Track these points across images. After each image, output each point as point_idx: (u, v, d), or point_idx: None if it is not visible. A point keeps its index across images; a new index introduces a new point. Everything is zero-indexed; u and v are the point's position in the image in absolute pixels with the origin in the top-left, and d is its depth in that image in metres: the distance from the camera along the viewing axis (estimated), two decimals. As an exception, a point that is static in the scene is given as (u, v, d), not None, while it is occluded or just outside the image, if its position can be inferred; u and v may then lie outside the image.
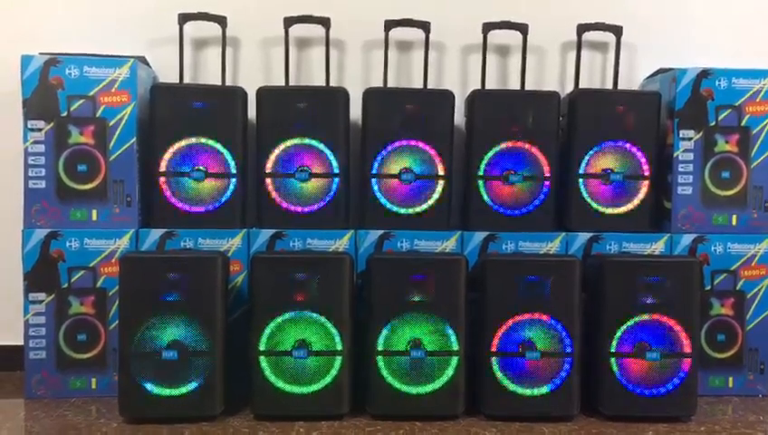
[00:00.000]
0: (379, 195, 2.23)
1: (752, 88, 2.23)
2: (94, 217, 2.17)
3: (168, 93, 2.22)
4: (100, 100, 2.15)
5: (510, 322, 2.03)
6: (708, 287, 2.24)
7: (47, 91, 2.14)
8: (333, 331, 2.01)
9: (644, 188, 2.26)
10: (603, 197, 2.26)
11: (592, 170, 2.25)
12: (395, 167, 2.23)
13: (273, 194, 2.22)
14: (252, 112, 2.25)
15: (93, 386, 2.17)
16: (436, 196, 2.23)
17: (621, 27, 2.40)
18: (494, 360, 2.03)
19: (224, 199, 2.20)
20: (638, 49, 2.51)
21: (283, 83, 2.36)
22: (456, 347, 2.02)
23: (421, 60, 2.40)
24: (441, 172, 2.23)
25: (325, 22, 2.36)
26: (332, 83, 2.42)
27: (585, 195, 2.25)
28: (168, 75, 2.38)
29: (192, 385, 1.97)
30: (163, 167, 2.18)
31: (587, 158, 2.25)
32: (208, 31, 2.41)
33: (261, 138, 2.23)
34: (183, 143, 2.18)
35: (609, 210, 2.26)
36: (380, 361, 2.01)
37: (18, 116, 2.15)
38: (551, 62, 2.52)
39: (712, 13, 2.53)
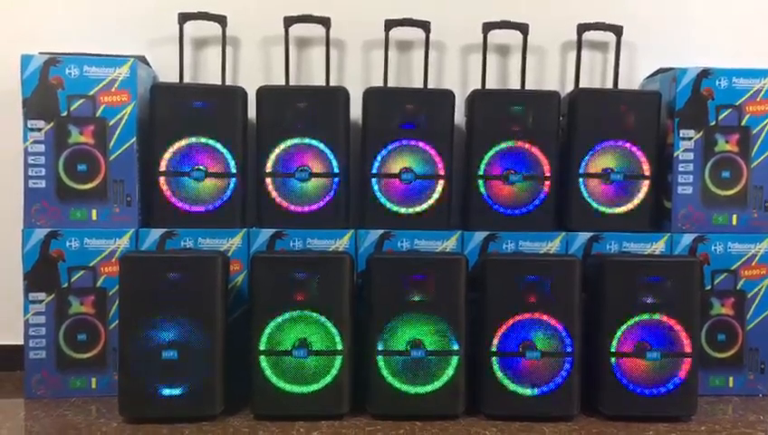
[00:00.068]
0: (379, 194, 2.23)
1: (752, 87, 2.23)
2: (94, 216, 2.17)
3: (168, 93, 2.22)
4: (100, 99, 2.15)
5: (510, 321, 2.03)
6: (708, 287, 2.24)
7: (47, 90, 2.14)
8: (333, 330, 2.01)
9: (644, 187, 2.26)
10: (603, 196, 2.26)
11: (592, 170, 2.25)
12: (395, 166, 2.23)
13: (274, 194, 2.22)
14: (252, 112, 2.25)
15: (93, 386, 2.17)
16: (436, 195, 2.23)
17: (621, 27, 2.41)
18: (494, 359, 2.03)
19: (224, 199, 2.20)
20: (638, 49, 2.51)
21: (283, 83, 2.36)
22: (456, 347, 2.02)
23: (421, 60, 2.40)
24: (441, 172, 2.23)
25: (325, 21, 2.36)
26: (332, 83, 2.42)
27: (585, 194, 2.25)
28: (168, 75, 2.38)
29: (192, 385, 1.97)
30: (163, 166, 2.18)
31: (587, 157, 2.25)
32: (208, 30, 2.41)
33: (261, 137, 2.22)
34: (183, 143, 2.18)
35: (610, 210, 2.26)
36: (380, 360, 2.01)
37: (18, 116, 2.15)
38: (551, 62, 2.52)
39: (712, 13, 2.53)
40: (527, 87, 2.41)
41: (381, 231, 2.21)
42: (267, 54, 2.47)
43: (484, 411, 2.04)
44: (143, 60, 2.29)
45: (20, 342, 2.19)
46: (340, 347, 2.01)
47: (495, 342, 2.03)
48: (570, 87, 2.48)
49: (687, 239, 2.24)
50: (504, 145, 2.23)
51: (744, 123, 2.24)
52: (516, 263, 2.08)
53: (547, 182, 2.24)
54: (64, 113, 2.14)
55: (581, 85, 2.42)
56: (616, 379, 2.03)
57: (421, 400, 2.01)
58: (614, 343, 2.03)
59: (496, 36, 2.45)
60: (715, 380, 2.26)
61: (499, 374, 2.03)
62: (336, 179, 2.22)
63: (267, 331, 2.00)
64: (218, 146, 2.19)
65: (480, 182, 2.23)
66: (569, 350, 2.03)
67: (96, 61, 2.16)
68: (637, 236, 2.25)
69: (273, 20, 2.38)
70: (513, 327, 2.03)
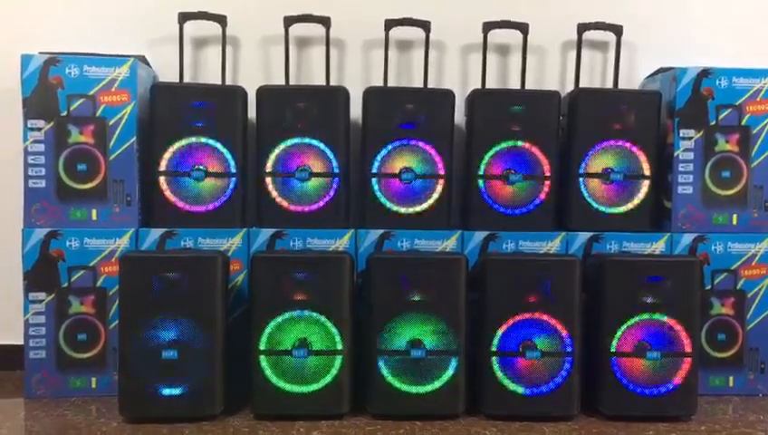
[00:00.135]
0: (379, 194, 2.23)
1: (752, 87, 2.23)
2: (94, 216, 2.17)
3: (168, 93, 2.22)
4: (99, 99, 2.15)
5: (510, 321, 2.03)
6: (709, 287, 2.24)
7: (47, 90, 2.14)
8: (333, 330, 2.01)
9: (644, 187, 2.26)
10: (603, 196, 2.26)
11: (592, 170, 2.25)
12: (395, 166, 2.23)
13: (274, 193, 2.22)
14: (252, 112, 2.25)
15: (93, 385, 2.17)
16: (436, 195, 2.23)
17: (622, 27, 2.41)
18: (494, 359, 2.03)
19: (224, 199, 2.20)
20: (638, 48, 2.51)
21: (283, 83, 2.36)
22: (456, 347, 2.02)
23: (421, 59, 2.40)
24: (441, 172, 2.23)
25: (325, 21, 2.36)
26: (333, 83, 2.42)
27: (585, 194, 2.25)
28: (168, 75, 2.38)
29: (192, 384, 1.97)
30: (163, 166, 2.18)
31: (587, 157, 2.25)
32: (208, 30, 2.41)
33: (261, 137, 2.22)
34: (183, 142, 2.18)
35: (610, 210, 2.26)
36: (380, 360, 2.01)
37: (18, 115, 2.15)
38: (551, 62, 2.52)
39: (712, 13, 2.53)
40: (527, 87, 2.40)
41: (381, 231, 2.21)
42: (267, 54, 2.47)
43: (484, 411, 2.04)
44: (143, 60, 2.29)
45: (20, 341, 2.19)
46: (340, 347, 2.01)
47: (495, 341, 2.03)
48: (570, 87, 2.48)
49: (687, 239, 2.24)
50: (504, 145, 2.23)
51: (744, 123, 2.24)
52: (516, 263, 2.08)
53: (547, 182, 2.24)
54: (64, 113, 2.14)
55: (581, 85, 2.42)
56: (616, 379, 2.03)
57: (421, 399, 2.01)
58: (614, 342, 2.03)
59: (496, 36, 2.44)
60: (715, 379, 2.26)
61: (499, 374, 2.03)
62: (336, 179, 2.22)
63: (267, 331, 2.00)
64: (218, 146, 2.19)
65: (480, 182, 2.23)
66: (569, 350, 2.03)
67: (96, 60, 2.15)
68: (637, 236, 2.25)
69: (273, 20, 2.38)
70: (513, 327, 2.03)
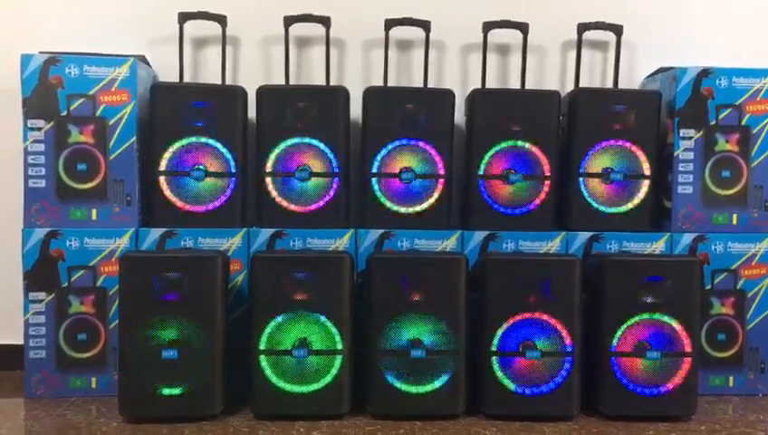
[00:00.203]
0: (379, 194, 2.23)
1: (752, 87, 2.23)
2: (94, 216, 2.17)
3: (168, 92, 2.22)
4: (99, 99, 2.15)
5: (510, 321, 2.03)
6: (708, 287, 2.24)
7: (47, 90, 2.14)
8: (333, 330, 2.01)
9: (644, 187, 2.26)
10: (603, 196, 2.26)
11: (592, 170, 2.25)
12: (395, 166, 2.23)
13: (274, 193, 2.22)
14: (252, 111, 2.25)
15: (93, 385, 2.17)
16: (436, 195, 2.23)
17: (622, 26, 2.41)
18: (494, 359, 2.03)
19: (224, 199, 2.20)
20: (638, 48, 2.51)
21: (283, 82, 2.36)
22: (455, 346, 2.02)
23: (421, 59, 2.40)
24: (441, 171, 2.23)
25: (325, 21, 2.36)
26: (333, 82, 2.42)
27: (585, 194, 2.25)
28: (168, 74, 2.38)
29: (192, 384, 1.97)
30: (163, 166, 2.18)
31: (587, 157, 2.25)
32: (208, 30, 2.41)
33: (261, 137, 2.22)
34: (183, 142, 2.18)
35: (610, 210, 2.26)
36: (381, 360, 2.01)
37: (18, 115, 2.15)
38: (551, 62, 2.52)
39: (712, 12, 2.53)
40: (527, 87, 2.40)
41: (381, 231, 2.21)
42: (267, 54, 2.47)
43: (484, 411, 2.04)
44: (143, 59, 2.29)
45: (20, 341, 2.19)
46: (340, 347, 2.01)
47: (495, 341, 2.03)
48: (570, 86, 2.48)
49: (687, 239, 2.24)
50: (504, 145, 2.23)
51: (744, 123, 2.24)
52: (516, 262, 2.08)
53: (547, 182, 2.24)
54: (64, 113, 2.14)
55: (581, 85, 2.42)
56: (616, 378, 2.03)
57: (421, 399, 2.01)
58: (614, 342, 2.03)
59: (496, 36, 2.44)
60: (715, 379, 2.26)
61: (499, 374, 2.03)
62: (336, 179, 2.22)
63: (267, 330, 2.00)
64: (218, 145, 2.19)
65: (480, 182, 2.23)
66: (569, 350, 2.03)
67: (96, 60, 2.15)
68: (637, 236, 2.25)
69: (273, 19, 2.38)
70: (513, 327, 2.03)
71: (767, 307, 2.26)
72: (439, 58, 2.50)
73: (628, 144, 2.25)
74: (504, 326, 2.03)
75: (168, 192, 2.19)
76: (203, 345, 1.98)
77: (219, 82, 2.36)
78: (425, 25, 2.37)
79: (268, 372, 1.99)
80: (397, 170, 2.23)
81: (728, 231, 2.25)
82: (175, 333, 1.97)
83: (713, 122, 2.24)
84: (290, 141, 2.21)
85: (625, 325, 2.04)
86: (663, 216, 2.30)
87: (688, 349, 2.04)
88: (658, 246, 2.24)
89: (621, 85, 2.44)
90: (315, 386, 2.00)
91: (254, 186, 2.25)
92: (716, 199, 2.25)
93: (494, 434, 1.95)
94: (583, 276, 2.06)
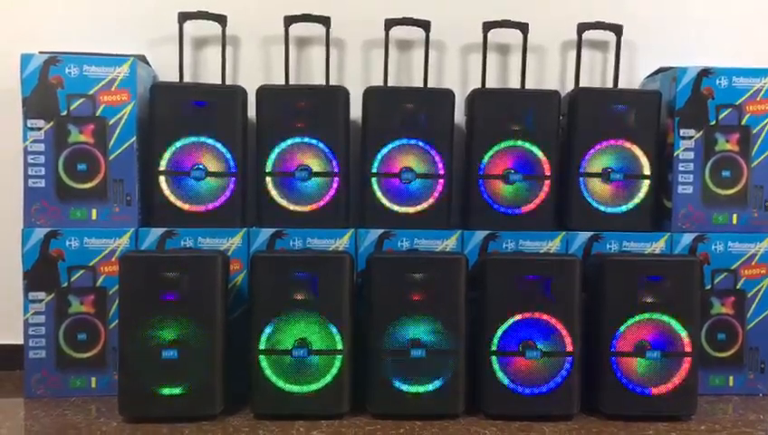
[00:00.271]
0: (379, 194, 2.23)
1: (752, 87, 2.23)
2: (94, 216, 2.17)
3: (168, 92, 2.22)
4: (99, 99, 2.15)
5: (510, 321, 2.03)
6: (708, 286, 2.24)
7: (47, 89, 2.14)
8: (333, 330, 2.01)
9: (644, 187, 2.26)
10: (603, 196, 2.26)
11: (593, 169, 2.25)
12: (395, 166, 2.23)
13: (273, 193, 2.21)
14: (252, 111, 2.25)
15: (93, 385, 2.17)
16: (436, 195, 2.23)
17: (622, 26, 2.41)
18: (494, 359, 2.03)
19: (224, 198, 2.20)
20: (638, 48, 2.51)
21: (283, 82, 2.36)
22: (455, 346, 2.02)
23: (421, 59, 2.40)
24: (441, 171, 2.23)
25: (325, 21, 2.36)
26: (332, 82, 2.42)
27: (585, 194, 2.25)
28: (168, 74, 2.38)
29: (192, 384, 1.97)
30: (163, 166, 2.18)
31: (587, 157, 2.25)
32: (208, 30, 2.41)
33: (261, 137, 2.22)
34: (183, 142, 2.18)
35: (610, 209, 2.26)
36: (381, 360, 2.01)
37: (18, 115, 2.15)
38: (551, 61, 2.52)
39: (712, 12, 2.53)
40: (527, 86, 2.41)
41: (381, 230, 2.21)
42: (267, 54, 2.47)
43: (483, 411, 2.04)
44: (143, 59, 2.29)
45: (20, 341, 2.19)
46: (340, 347, 2.01)
47: (495, 341, 2.03)
48: (570, 86, 2.48)
49: (687, 239, 2.24)
50: (504, 144, 2.23)
51: (744, 123, 2.24)
52: (516, 262, 2.08)
53: (547, 182, 2.24)
54: (64, 113, 2.14)
55: (581, 84, 2.42)
56: (616, 378, 2.03)
57: (421, 399, 2.01)
58: (614, 342, 2.03)
59: (496, 35, 2.45)
60: (715, 379, 2.26)
61: (499, 374, 2.03)
62: (336, 179, 2.22)
63: (267, 330, 2.00)
64: (218, 145, 2.19)
65: (480, 182, 2.23)
66: (569, 349, 2.02)
67: (96, 60, 2.15)
68: (637, 236, 2.25)
69: (273, 19, 2.38)
70: (512, 327, 2.03)
71: (767, 307, 2.26)
72: (439, 58, 2.50)
73: (628, 144, 2.25)
74: (504, 326, 2.03)
75: (167, 192, 2.19)
76: (203, 345, 1.98)
77: (219, 81, 2.36)
78: (425, 25, 2.37)
79: (268, 371, 1.99)
80: (397, 170, 2.23)
81: (728, 231, 2.25)
82: (175, 333, 1.97)
83: (713, 122, 2.24)
84: (290, 141, 2.21)
85: (625, 325, 2.04)
86: (663, 216, 2.30)
87: (688, 349, 2.04)
88: (658, 245, 2.24)
89: (621, 85, 2.44)
90: (315, 386, 2.00)
91: (254, 186, 2.24)
92: (716, 199, 2.25)
93: (494, 434, 1.95)
94: (583, 276, 2.06)
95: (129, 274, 1.98)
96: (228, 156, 2.20)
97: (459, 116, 2.31)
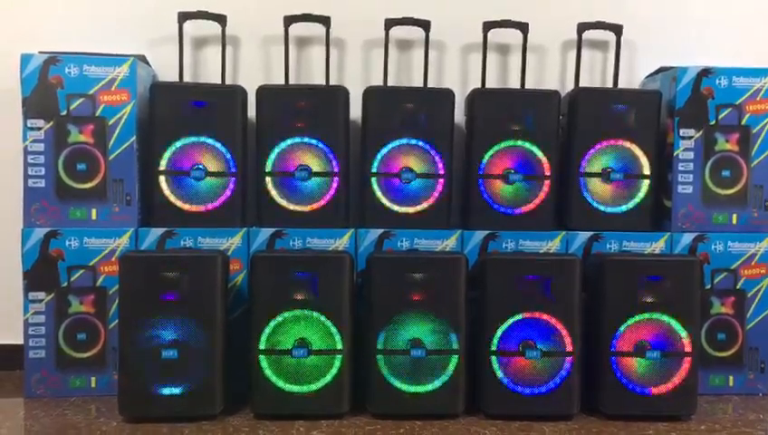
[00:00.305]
0: (379, 194, 2.23)
1: (752, 87, 2.23)
2: (94, 216, 2.17)
3: (168, 92, 2.22)
4: (99, 98, 2.15)
5: (510, 321, 2.03)
6: (708, 286, 2.24)
7: (47, 89, 2.13)
8: (333, 330, 2.01)
9: (644, 186, 2.26)
10: (603, 195, 2.26)
11: (592, 169, 2.25)
12: (395, 166, 2.23)
13: (273, 193, 2.21)
14: (252, 111, 2.25)
15: (93, 385, 2.17)
16: (436, 195, 2.23)
17: (621, 26, 2.41)
18: (494, 359, 2.03)
19: (224, 198, 2.20)
20: (638, 48, 2.51)
21: (283, 82, 2.36)
22: (456, 346, 2.02)
23: (421, 59, 2.40)
24: (441, 171, 2.23)
25: (325, 20, 2.36)
26: (332, 82, 2.42)
27: (585, 194, 2.25)
28: (168, 74, 2.38)
29: (192, 384, 1.97)
30: (163, 165, 2.18)
31: (587, 156, 2.24)
32: (208, 29, 2.41)
33: (261, 136, 2.22)
34: (183, 142, 2.18)
35: (610, 209, 2.26)
36: (381, 360, 2.01)
37: (18, 115, 2.15)
38: (551, 61, 2.52)
39: (712, 12, 2.53)
40: (527, 86, 2.41)
41: (381, 230, 2.21)
42: (267, 54, 2.47)
43: (483, 411, 2.04)
44: (143, 59, 2.29)
45: (20, 341, 2.19)
46: (339, 346, 2.01)
47: (495, 341, 2.03)
48: (570, 86, 2.47)
49: (687, 238, 2.24)
50: (504, 144, 2.23)
51: (744, 122, 2.24)
52: (516, 262, 2.08)
53: (547, 181, 2.24)
54: (64, 112, 2.14)
55: (581, 84, 2.42)
56: (616, 378, 2.03)
57: (421, 399, 2.01)
58: (614, 342, 2.03)
59: (496, 35, 2.44)
60: (714, 379, 2.26)
61: (499, 373, 2.03)
62: (336, 179, 2.22)
63: (267, 330, 2.00)
64: (218, 145, 2.19)
65: (480, 181, 2.23)
66: (569, 349, 2.02)
67: (96, 60, 2.15)
68: (637, 236, 2.25)
69: (273, 19, 2.38)
70: (512, 326, 2.03)
71: (767, 307, 2.26)
72: (439, 58, 2.50)
73: (628, 144, 2.25)
74: (504, 326, 2.03)
75: (167, 192, 2.19)
76: (203, 345, 1.98)
77: (219, 81, 2.36)
78: (425, 25, 2.37)
79: (268, 371, 1.99)
80: (396, 170, 2.22)
81: (728, 231, 2.25)
82: (175, 333, 1.97)
83: (713, 122, 2.24)
84: (290, 141, 2.21)
85: (625, 325, 2.04)
86: (663, 215, 2.30)
87: (688, 349, 2.04)
88: (658, 245, 2.24)
89: (621, 85, 2.44)
90: (315, 386, 2.00)
91: (254, 186, 2.24)
92: (716, 199, 2.25)
93: (494, 434, 1.95)
94: (583, 276, 2.06)
95: (128, 274, 1.98)
96: (228, 156, 2.20)
97: (459, 116, 2.31)
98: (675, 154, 2.24)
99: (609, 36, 2.44)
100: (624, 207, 2.26)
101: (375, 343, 2.01)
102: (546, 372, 2.02)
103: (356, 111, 2.27)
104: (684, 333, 2.03)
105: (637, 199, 2.26)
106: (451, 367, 2.02)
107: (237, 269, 2.19)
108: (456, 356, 2.02)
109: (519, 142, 2.23)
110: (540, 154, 2.23)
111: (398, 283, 2.02)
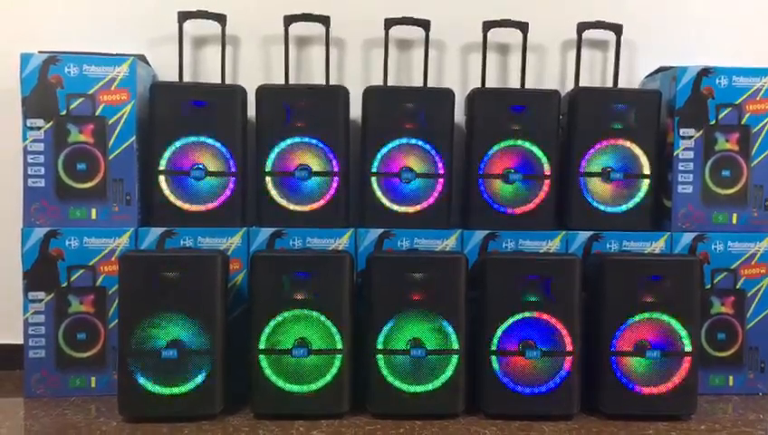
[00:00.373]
0: (379, 193, 2.23)
1: (752, 86, 2.23)
2: (94, 215, 2.16)
3: (168, 92, 2.22)
4: (99, 98, 2.15)
5: (510, 320, 2.03)
6: (708, 286, 2.24)
7: (46, 89, 2.13)
8: (333, 329, 2.01)
9: (644, 186, 2.26)
10: (603, 195, 2.26)
11: (592, 169, 2.25)
12: (395, 165, 2.23)
13: (273, 192, 2.21)
14: (252, 111, 2.25)
15: (93, 385, 2.17)
16: (436, 194, 2.23)
17: (621, 26, 2.40)
18: (493, 358, 2.03)
19: (223, 198, 2.20)
20: (638, 47, 2.51)
21: (282, 82, 2.36)
22: (456, 346, 2.02)
23: (421, 58, 2.40)
24: (441, 171, 2.23)
25: (325, 20, 2.36)
26: (332, 82, 2.42)
27: (585, 193, 2.25)
28: (168, 74, 2.38)
29: (192, 384, 1.97)
30: (162, 165, 2.18)
31: (587, 156, 2.24)
32: (208, 29, 2.41)
33: (261, 136, 2.22)
34: (183, 142, 2.18)
35: (610, 209, 2.26)
36: (381, 359, 2.01)
37: (17, 114, 2.15)
38: (551, 61, 2.52)
39: (712, 12, 2.53)
40: (527, 86, 2.40)
41: (381, 230, 2.21)
42: (267, 53, 2.47)
43: (483, 410, 2.04)
44: (143, 59, 2.29)
45: (19, 341, 2.19)
46: (339, 346, 2.01)
47: (495, 341, 2.03)
48: (570, 86, 2.47)
49: (687, 238, 2.24)
50: (504, 144, 2.23)
51: (744, 122, 2.24)
52: (516, 262, 2.08)
53: (547, 181, 2.24)
54: (64, 112, 2.14)
55: (581, 84, 2.42)
56: (616, 378, 2.03)
57: (421, 399, 2.01)
58: (614, 342, 2.03)
59: (496, 35, 2.44)
60: (714, 379, 2.26)
61: (499, 373, 2.02)
62: (336, 178, 2.22)
63: (267, 330, 2.00)
64: (218, 145, 2.19)
65: (480, 181, 2.23)
66: (569, 349, 2.02)
67: (95, 59, 2.15)
68: (637, 235, 2.24)
69: (273, 19, 2.37)
70: (512, 326, 2.03)
71: (767, 307, 2.26)
72: (439, 57, 2.50)
73: (628, 143, 2.25)
74: (504, 326, 2.03)
75: (167, 192, 2.18)
76: (203, 344, 1.98)
77: (219, 81, 2.36)
78: (425, 25, 2.37)
79: (268, 371, 1.99)
80: (396, 170, 2.22)
81: (728, 230, 2.25)
82: (175, 333, 1.97)
83: (713, 122, 2.24)
84: (290, 141, 2.21)
85: (625, 325, 2.04)
86: (663, 215, 2.30)
87: (688, 348, 2.04)
88: (658, 245, 2.24)
89: (621, 85, 2.44)
90: (315, 385, 2.00)
91: (254, 185, 2.24)
92: (716, 199, 2.25)
93: (494, 433, 1.95)
94: (583, 276, 2.06)
95: (128, 273, 1.98)
96: (228, 156, 2.20)
97: (459, 116, 2.31)
98: (675, 154, 2.24)
99: (609, 36, 2.44)
100: (624, 207, 2.26)
101: (375, 342, 2.01)
102: (546, 371, 2.02)
103: (356, 111, 2.27)
104: (684, 333, 2.03)
105: (637, 199, 2.26)
106: (451, 367, 2.02)
107: (237, 269, 2.18)
108: (456, 356, 2.02)
109: (519, 142, 2.23)
110: (540, 154, 2.23)
111: (398, 283, 2.02)
